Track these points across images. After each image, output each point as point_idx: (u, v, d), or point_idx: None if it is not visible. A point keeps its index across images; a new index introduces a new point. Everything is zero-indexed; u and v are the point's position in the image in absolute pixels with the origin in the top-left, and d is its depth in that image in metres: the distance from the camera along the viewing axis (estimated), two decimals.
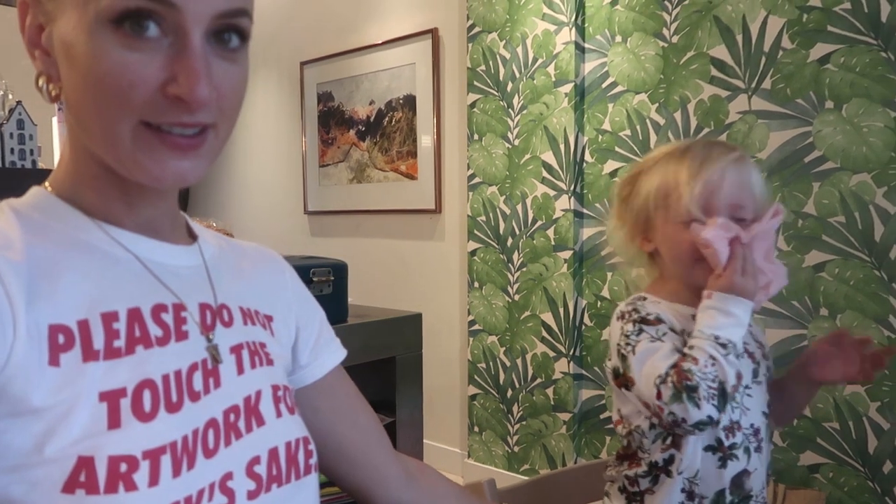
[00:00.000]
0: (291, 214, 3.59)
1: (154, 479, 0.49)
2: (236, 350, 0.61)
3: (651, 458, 0.92)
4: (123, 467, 0.49)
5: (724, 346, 0.83)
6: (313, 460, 0.62)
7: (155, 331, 0.56)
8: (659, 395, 0.83)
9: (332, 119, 3.34)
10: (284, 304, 0.71)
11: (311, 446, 0.63)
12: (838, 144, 1.87)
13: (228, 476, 0.54)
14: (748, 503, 0.91)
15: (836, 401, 1.89)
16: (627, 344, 0.88)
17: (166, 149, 0.53)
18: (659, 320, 0.89)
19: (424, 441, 1.72)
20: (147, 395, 0.52)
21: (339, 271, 1.55)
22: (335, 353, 0.76)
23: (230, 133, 0.58)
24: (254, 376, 0.61)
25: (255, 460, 0.57)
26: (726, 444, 0.90)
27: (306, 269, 1.43)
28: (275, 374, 0.64)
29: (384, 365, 1.70)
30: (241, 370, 0.60)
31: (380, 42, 3.04)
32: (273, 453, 0.58)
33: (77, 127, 0.56)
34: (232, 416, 0.57)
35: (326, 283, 1.49)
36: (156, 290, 0.58)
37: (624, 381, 0.90)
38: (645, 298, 0.94)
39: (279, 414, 0.61)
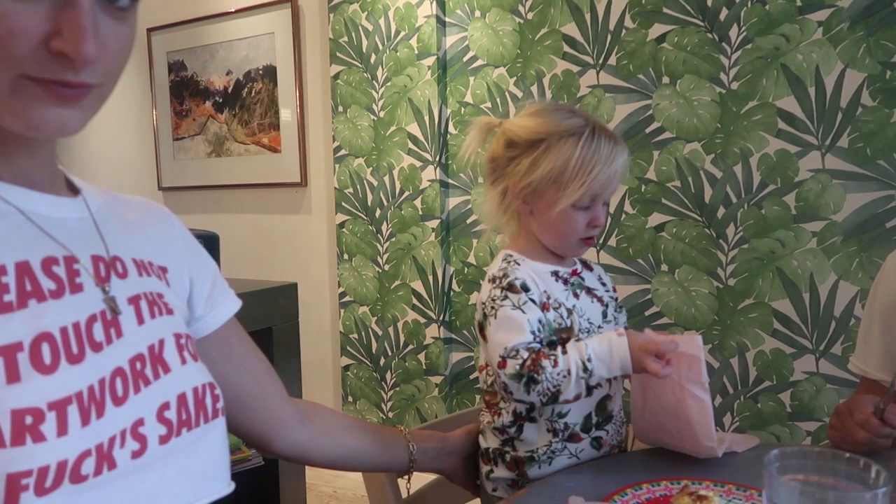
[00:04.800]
0: (144, 191, 3.38)
1: (62, 429, 0.49)
2: (134, 301, 0.60)
3: (512, 407, 1.00)
4: (29, 420, 0.48)
5: (586, 370, 0.89)
6: (220, 404, 0.64)
7: (47, 284, 0.55)
8: (502, 365, 0.92)
9: (185, 90, 3.18)
10: (177, 257, 0.71)
11: (218, 391, 0.64)
12: (674, 116, 2.08)
13: (139, 422, 0.55)
14: (610, 422, 1.02)
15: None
16: (493, 308, 0.96)
17: (49, 97, 0.51)
18: (525, 288, 0.96)
19: None
20: (46, 348, 0.52)
21: (210, 242, 1.52)
22: (230, 303, 0.77)
23: (112, 91, 0.57)
24: (155, 325, 0.61)
25: (165, 406, 0.58)
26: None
27: None
28: (175, 323, 0.64)
29: (260, 336, 1.69)
30: (141, 320, 0.60)
31: (233, 10, 2.93)
32: (181, 399, 0.59)
33: None
34: (138, 365, 0.57)
35: None
36: (43, 243, 0.57)
37: (483, 336, 0.98)
38: (511, 256, 1.01)
39: (184, 361, 0.62)
